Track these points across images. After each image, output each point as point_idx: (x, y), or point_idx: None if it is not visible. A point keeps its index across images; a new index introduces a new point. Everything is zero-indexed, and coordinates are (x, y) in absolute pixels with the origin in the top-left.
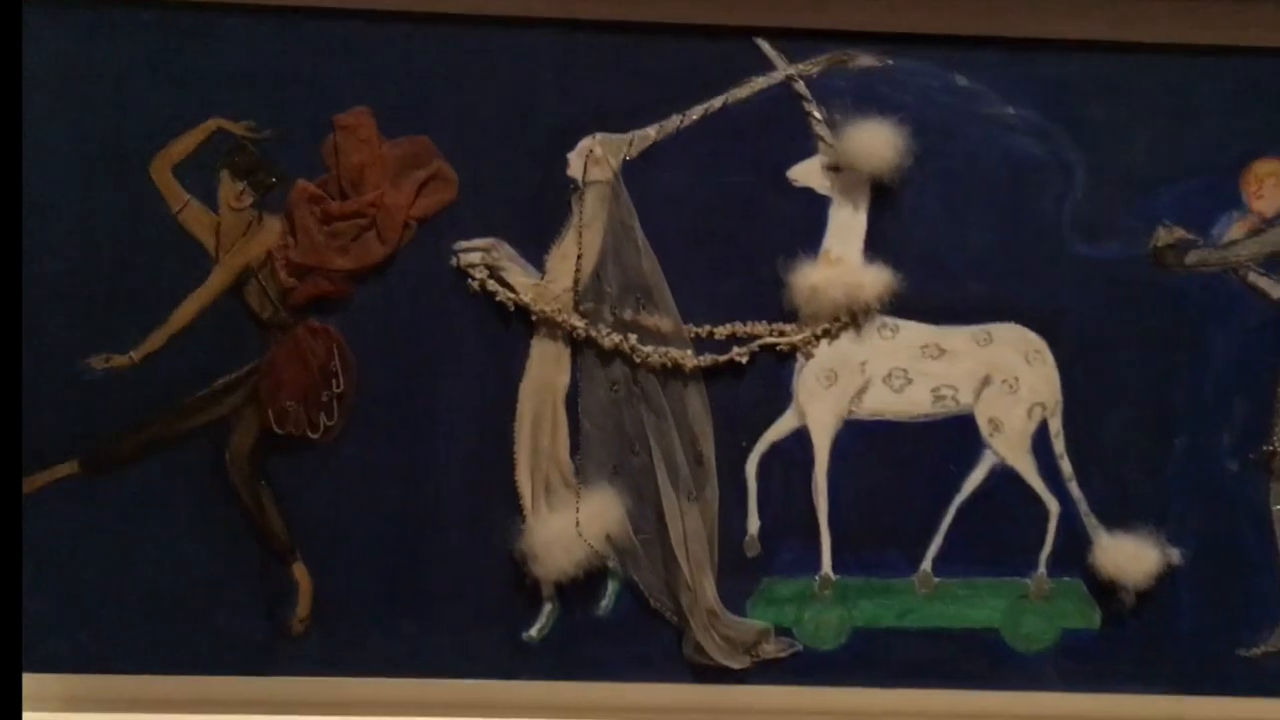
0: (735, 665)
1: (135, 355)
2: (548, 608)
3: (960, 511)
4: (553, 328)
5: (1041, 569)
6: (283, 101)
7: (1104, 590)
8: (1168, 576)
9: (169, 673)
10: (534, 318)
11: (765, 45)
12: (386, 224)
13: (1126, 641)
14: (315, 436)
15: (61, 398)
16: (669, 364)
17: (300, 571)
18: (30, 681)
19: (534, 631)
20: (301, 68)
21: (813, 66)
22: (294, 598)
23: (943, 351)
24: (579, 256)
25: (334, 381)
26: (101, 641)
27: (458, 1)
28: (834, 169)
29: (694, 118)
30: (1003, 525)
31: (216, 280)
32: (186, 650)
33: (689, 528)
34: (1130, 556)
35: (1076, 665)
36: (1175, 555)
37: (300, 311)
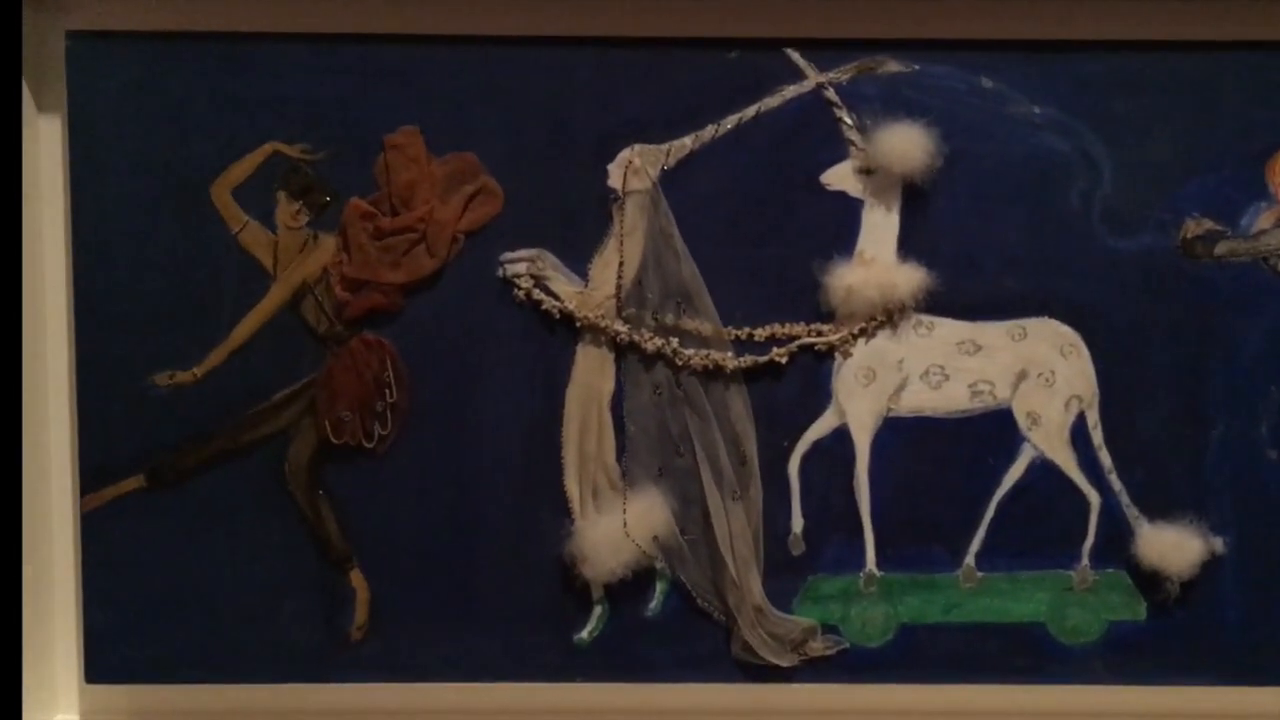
0: (783, 663)
1: (198, 371)
2: (598, 610)
3: (1001, 505)
4: (597, 334)
5: (1085, 561)
6: (335, 124)
7: (1148, 581)
8: (1212, 566)
9: (230, 682)
10: (578, 325)
11: (795, 55)
12: (436, 238)
13: (1173, 632)
14: (370, 446)
15: (127, 415)
16: (710, 366)
17: (357, 579)
18: (94, 693)
19: (585, 634)
20: (352, 91)
21: (842, 74)
22: (352, 605)
23: (979, 347)
24: (620, 264)
25: (387, 392)
26: (164, 652)
27: (499, 23)
28: (866, 172)
29: (728, 127)
30: (1044, 518)
31: (275, 297)
32: (247, 659)
33: (734, 527)
34: (1173, 546)
35: (1123, 657)
36: (1219, 544)
37: (354, 325)
